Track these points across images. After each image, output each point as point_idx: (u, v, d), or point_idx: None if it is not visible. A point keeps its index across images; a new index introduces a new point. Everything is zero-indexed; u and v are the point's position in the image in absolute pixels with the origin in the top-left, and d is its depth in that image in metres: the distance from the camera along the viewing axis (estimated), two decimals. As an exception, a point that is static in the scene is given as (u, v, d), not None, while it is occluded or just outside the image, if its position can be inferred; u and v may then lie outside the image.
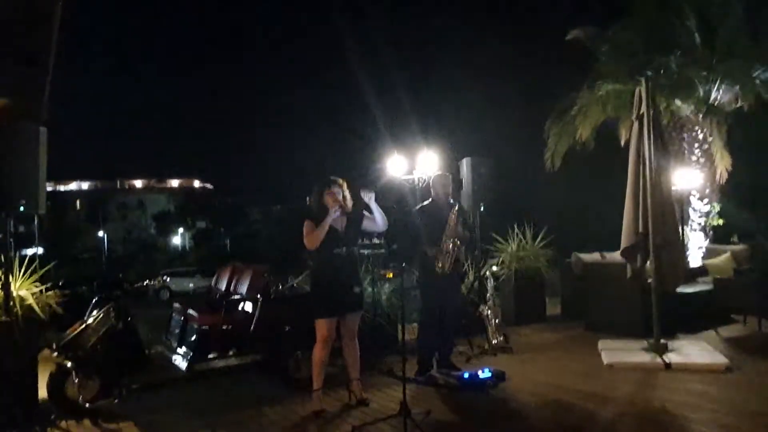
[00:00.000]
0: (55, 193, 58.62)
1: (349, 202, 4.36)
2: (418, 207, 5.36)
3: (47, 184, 4.65)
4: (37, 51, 3.55)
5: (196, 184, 74.63)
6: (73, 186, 70.16)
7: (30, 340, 4.32)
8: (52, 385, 4.38)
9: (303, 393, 4.49)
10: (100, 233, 55.18)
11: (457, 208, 5.04)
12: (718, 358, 5.13)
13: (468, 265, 7.22)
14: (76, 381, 4.34)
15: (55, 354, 4.46)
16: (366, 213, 4.38)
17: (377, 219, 4.34)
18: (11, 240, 4.53)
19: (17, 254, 4.78)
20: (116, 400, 4.45)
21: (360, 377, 4.46)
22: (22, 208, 4.36)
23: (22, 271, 4.66)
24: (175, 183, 75.53)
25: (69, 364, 4.35)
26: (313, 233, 4.18)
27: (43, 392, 4.39)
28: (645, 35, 10.15)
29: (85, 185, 71.92)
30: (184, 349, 5.07)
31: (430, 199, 5.28)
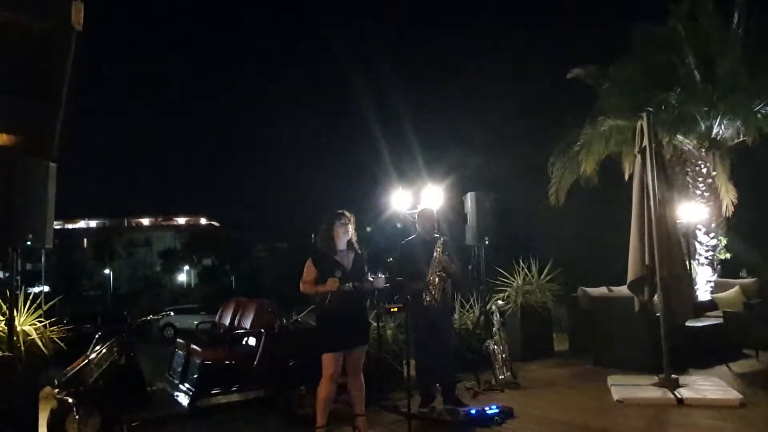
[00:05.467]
0: (63, 231, 59.09)
1: (354, 237, 4.39)
2: (404, 241, 5.40)
3: (55, 222, 4.69)
4: (50, 87, 3.64)
5: (203, 221, 75.06)
6: (81, 224, 70.71)
7: (32, 375, 4.29)
8: (53, 422, 4.33)
9: (306, 430, 4.40)
10: (107, 271, 55.35)
11: (441, 242, 5.09)
12: (732, 394, 5.01)
13: (474, 300, 7.16)
14: (77, 417, 4.28)
15: (57, 390, 4.42)
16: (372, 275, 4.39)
17: (374, 284, 4.33)
18: (17, 276, 4.54)
19: (24, 291, 4.80)
20: (116, 438, 4.38)
21: (365, 413, 4.38)
22: (29, 243, 4.39)
23: (27, 306, 4.67)
24: (182, 221, 76.02)
25: (70, 400, 4.30)
26: (310, 286, 4.18)
27: (43, 429, 4.32)
28: (645, 73, 10.32)
29: (93, 223, 72.47)
30: (186, 385, 5.01)
31: (416, 234, 5.34)
